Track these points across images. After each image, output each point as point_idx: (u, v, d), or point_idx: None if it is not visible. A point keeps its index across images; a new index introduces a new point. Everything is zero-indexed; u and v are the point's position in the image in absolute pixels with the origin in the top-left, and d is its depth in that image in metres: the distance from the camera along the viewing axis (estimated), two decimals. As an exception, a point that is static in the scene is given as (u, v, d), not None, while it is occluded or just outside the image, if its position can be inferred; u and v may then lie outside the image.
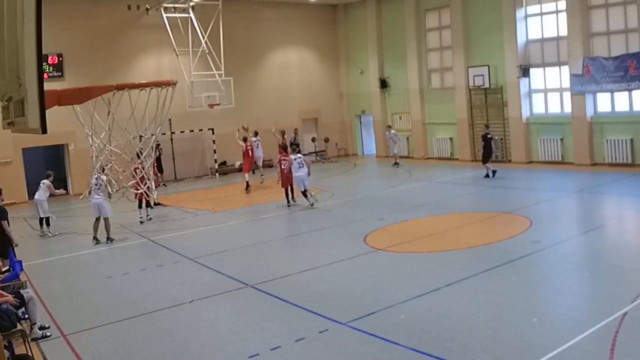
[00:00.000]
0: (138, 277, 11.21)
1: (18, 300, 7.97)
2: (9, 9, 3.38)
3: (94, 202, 14.34)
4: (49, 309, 9.37)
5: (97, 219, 14.28)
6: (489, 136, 19.93)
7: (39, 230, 15.62)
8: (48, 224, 15.65)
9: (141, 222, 16.36)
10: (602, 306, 7.72)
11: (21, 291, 8.30)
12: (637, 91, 19.26)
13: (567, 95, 21.22)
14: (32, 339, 7.93)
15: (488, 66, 22.84)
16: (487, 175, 19.59)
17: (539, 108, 22.56)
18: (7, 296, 7.83)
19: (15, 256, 10.40)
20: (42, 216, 15.50)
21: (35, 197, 15.60)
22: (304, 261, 11.23)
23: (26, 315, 8.21)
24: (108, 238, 14.21)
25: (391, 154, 25.42)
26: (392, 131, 25.26)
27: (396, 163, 24.45)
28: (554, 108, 22.07)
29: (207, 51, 24.05)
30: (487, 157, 19.71)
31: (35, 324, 8.23)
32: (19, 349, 7.58)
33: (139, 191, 16.61)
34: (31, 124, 3.30)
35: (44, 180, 15.70)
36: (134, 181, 16.73)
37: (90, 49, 22.69)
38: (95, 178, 14.58)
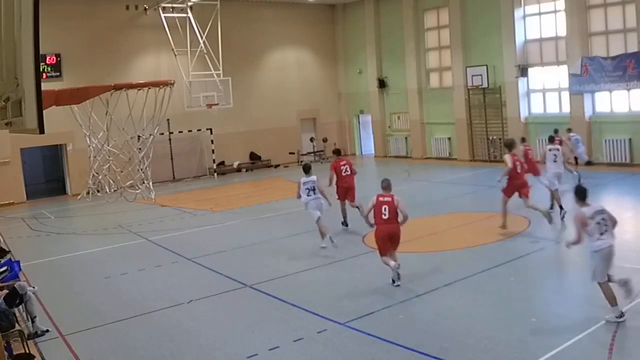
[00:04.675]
0: (137, 277, 11.19)
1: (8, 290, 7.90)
2: (7, 9, 3.37)
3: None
4: (48, 309, 9.34)
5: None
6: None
7: None
8: None
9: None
10: (601, 306, 7.71)
11: (15, 285, 8.23)
12: (635, 91, 19.27)
13: (565, 95, 21.23)
14: (33, 334, 7.92)
15: (486, 66, 22.83)
16: None
17: (537, 108, 22.56)
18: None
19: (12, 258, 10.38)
20: None
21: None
22: (303, 261, 11.21)
23: (24, 312, 8.18)
24: None
25: None
26: None
27: None
28: (553, 108, 22.06)
29: (205, 51, 24.02)
30: None
31: (35, 316, 8.20)
32: (18, 349, 7.57)
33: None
34: (29, 124, 3.29)
35: None
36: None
37: (89, 49, 22.64)
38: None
